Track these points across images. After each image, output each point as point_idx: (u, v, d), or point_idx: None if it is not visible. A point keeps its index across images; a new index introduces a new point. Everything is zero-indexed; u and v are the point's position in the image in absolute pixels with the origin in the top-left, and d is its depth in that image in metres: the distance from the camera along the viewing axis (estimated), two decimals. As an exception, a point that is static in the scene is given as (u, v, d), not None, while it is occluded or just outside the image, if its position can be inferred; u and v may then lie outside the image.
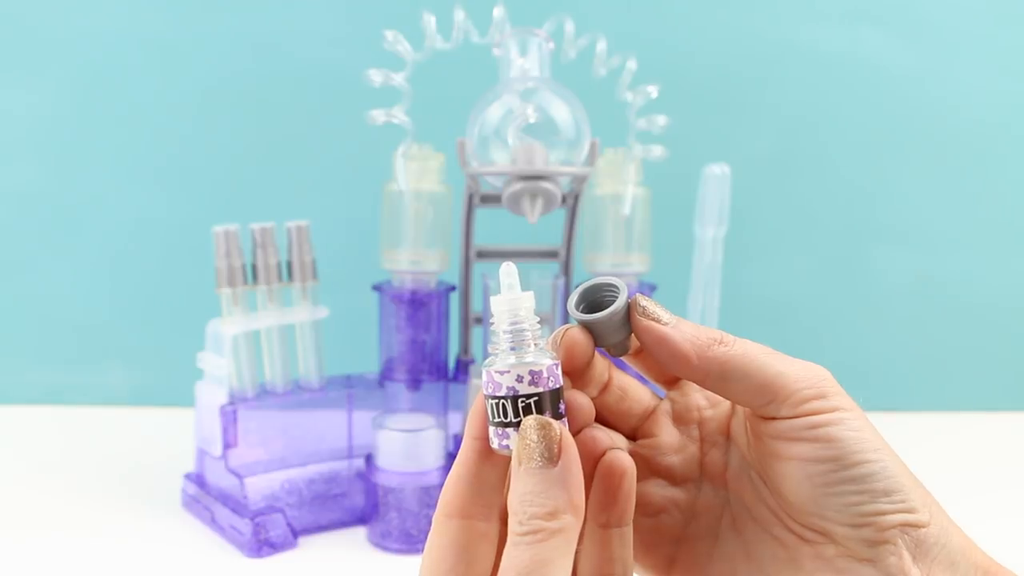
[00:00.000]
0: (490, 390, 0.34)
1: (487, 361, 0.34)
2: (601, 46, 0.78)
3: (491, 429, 0.34)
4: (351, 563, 0.72)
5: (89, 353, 1.06)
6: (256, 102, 1.03)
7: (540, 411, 0.33)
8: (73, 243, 1.05)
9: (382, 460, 0.74)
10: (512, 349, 0.34)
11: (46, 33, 1.01)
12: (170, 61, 1.02)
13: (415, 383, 0.80)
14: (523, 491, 0.32)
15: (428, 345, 0.79)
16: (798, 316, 1.07)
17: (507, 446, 0.33)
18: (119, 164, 1.04)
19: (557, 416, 0.34)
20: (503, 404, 0.33)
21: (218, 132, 1.03)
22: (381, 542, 0.74)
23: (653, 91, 0.77)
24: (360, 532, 0.77)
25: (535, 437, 0.33)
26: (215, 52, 1.02)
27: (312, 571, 0.71)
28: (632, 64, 0.78)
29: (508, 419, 0.33)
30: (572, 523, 0.32)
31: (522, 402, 0.33)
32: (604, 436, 0.36)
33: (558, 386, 0.34)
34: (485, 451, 0.35)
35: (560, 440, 0.33)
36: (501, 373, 0.33)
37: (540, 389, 0.33)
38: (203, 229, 0.78)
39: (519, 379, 0.33)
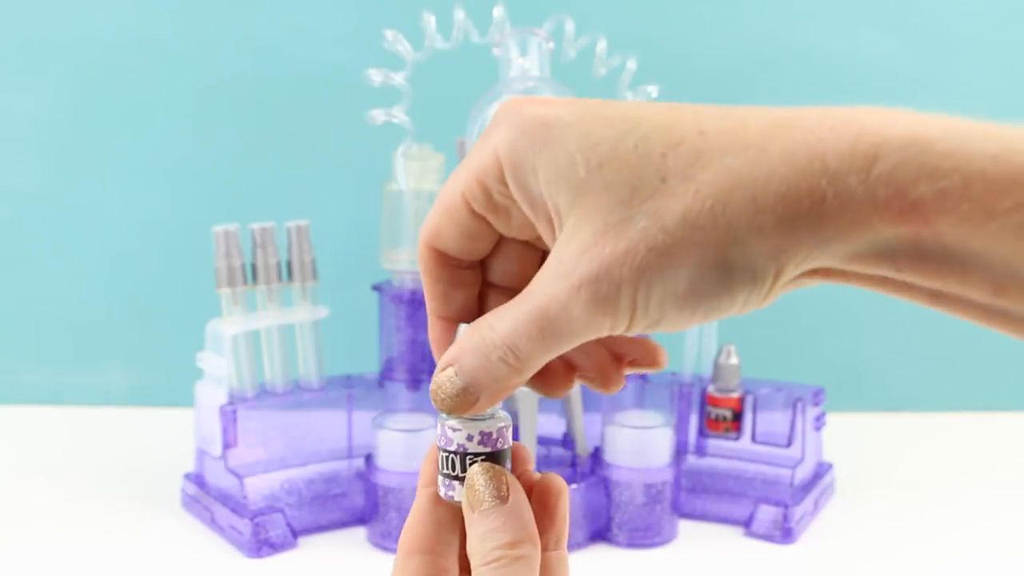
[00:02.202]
0: (442, 443, 0.35)
1: (442, 415, 0.35)
2: (601, 46, 0.78)
3: (440, 477, 0.35)
4: (351, 563, 0.72)
5: (89, 353, 1.06)
6: (256, 102, 1.03)
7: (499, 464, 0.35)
8: (73, 243, 1.05)
9: (382, 460, 0.74)
10: None
11: (46, 33, 1.01)
12: (170, 61, 1.02)
13: (415, 383, 0.80)
14: (481, 532, 0.33)
15: (428, 345, 0.79)
16: (798, 316, 1.07)
17: (452, 496, 0.35)
18: (119, 164, 1.04)
19: None
20: (452, 459, 0.35)
21: (218, 132, 1.03)
22: (381, 542, 0.74)
23: (653, 91, 0.77)
24: (360, 532, 0.76)
25: (482, 481, 0.34)
26: (215, 52, 1.02)
27: (312, 571, 0.71)
28: (632, 64, 0.77)
29: (456, 473, 0.35)
30: (532, 552, 0.33)
31: (470, 459, 0.34)
32: (534, 472, 0.37)
33: (506, 447, 0.35)
34: (437, 497, 0.36)
35: (507, 478, 0.34)
36: (454, 430, 0.35)
37: (488, 449, 0.35)
38: (203, 229, 0.78)
39: (469, 438, 0.34)
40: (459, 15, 0.75)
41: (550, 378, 0.36)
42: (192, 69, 1.02)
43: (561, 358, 0.36)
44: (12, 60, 1.02)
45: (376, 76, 0.73)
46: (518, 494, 0.34)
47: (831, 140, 0.29)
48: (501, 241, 0.36)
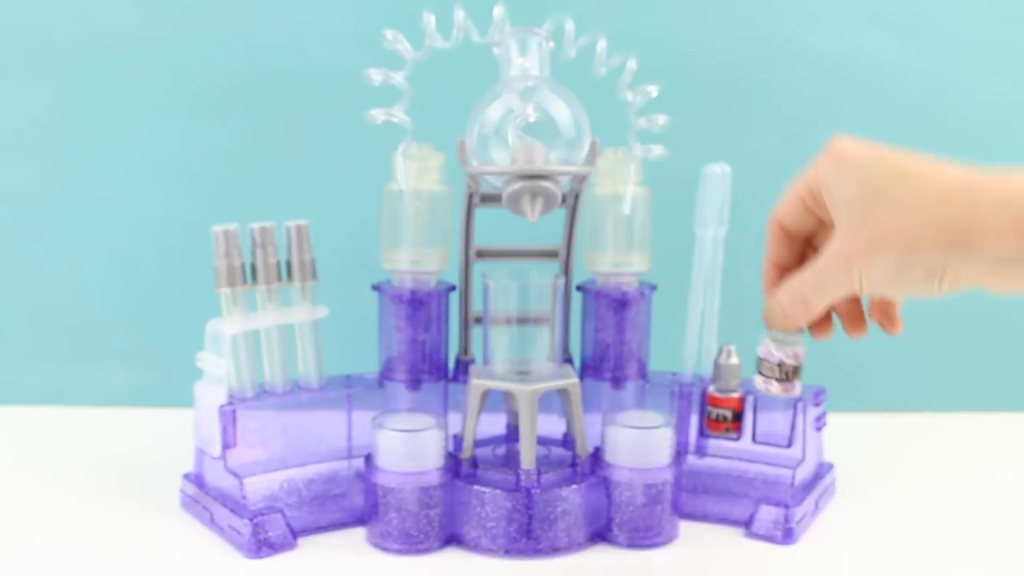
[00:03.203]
0: (768, 357, 0.67)
1: (771, 336, 0.66)
2: (601, 46, 0.78)
3: (762, 378, 0.68)
4: (351, 563, 0.72)
5: (88, 353, 1.06)
6: (256, 101, 1.02)
7: (795, 374, 0.68)
8: (72, 243, 1.05)
9: (382, 460, 0.73)
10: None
11: (45, 32, 1.01)
12: (169, 60, 1.02)
13: (415, 383, 0.80)
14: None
15: (428, 345, 0.79)
16: (798, 316, 1.07)
17: (764, 389, 0.68)
18: (118, 164, 1.03)
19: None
20: (785, 368, 0.67)
21: (218, 131, 1.03)
22: (381, 542, 0.74)
23: (653, 90, 0.77)
24: (360, 532, 0.76)
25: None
26: (214, 51, 1.02)
27: (311, 571, 0.71)
28: (632, 64, 0.77)
29: (774, 375, 0.67)
30: None
31: (785, 368, 0.67)
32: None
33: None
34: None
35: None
36: (781, 345, 0.67)
37: (797, 364, 0.68)
38: (203, 229, 0.78)
39: (788, 355, 0.67)
40: (459, 15, 0.75)
41: (819, 322, 0.64)
42: (191, 68, 1.02)
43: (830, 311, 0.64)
44: (10, 59, 1.01)
45: (376, 76, 0.73)
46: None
47: (989, 209, 0.51)
48: (819, 227, 0.63)
